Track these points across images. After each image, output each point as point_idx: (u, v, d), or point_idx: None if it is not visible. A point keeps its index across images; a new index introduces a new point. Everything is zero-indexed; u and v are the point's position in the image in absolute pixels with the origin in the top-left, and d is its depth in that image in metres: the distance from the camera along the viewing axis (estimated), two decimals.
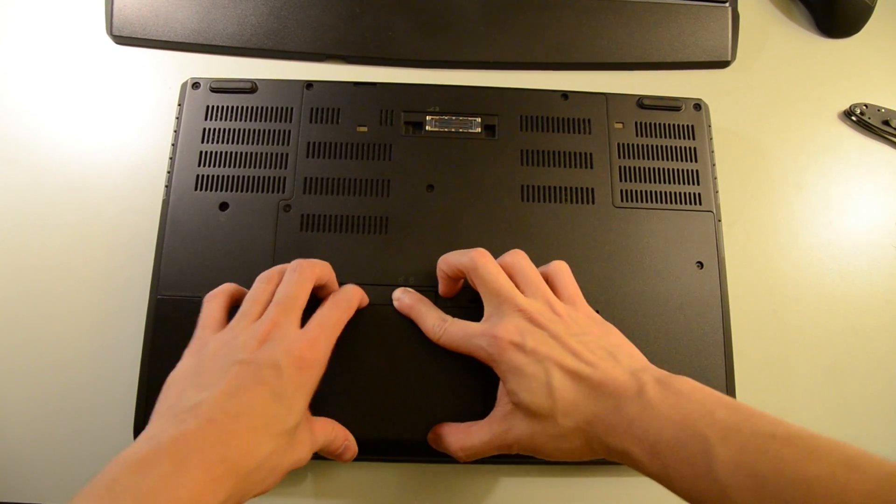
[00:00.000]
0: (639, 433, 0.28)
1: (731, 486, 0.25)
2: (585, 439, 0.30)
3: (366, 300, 0.39)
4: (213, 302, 0.35)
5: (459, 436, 0.35)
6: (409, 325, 0.39)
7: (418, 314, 0.38)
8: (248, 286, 0.39)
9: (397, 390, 0.39)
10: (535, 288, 0.35)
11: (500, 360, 0.33)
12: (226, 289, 0.36)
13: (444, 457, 0.40)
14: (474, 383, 0.39)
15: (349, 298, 0.36)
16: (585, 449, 0.31)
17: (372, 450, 0.39)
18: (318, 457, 0.40)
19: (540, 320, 0.33)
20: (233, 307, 0.36)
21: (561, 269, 0.37)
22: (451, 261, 0.37)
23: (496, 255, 0.38)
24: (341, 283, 0.40)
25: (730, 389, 0.40)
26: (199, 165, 0.43)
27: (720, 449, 0.26)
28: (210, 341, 0.32)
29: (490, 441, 0.33)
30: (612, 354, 0.32)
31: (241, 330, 0.32)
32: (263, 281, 0.35)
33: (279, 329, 0.31)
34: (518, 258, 0.37)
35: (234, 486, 0.26)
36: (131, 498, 0.23)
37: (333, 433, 0.35)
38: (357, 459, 0.40)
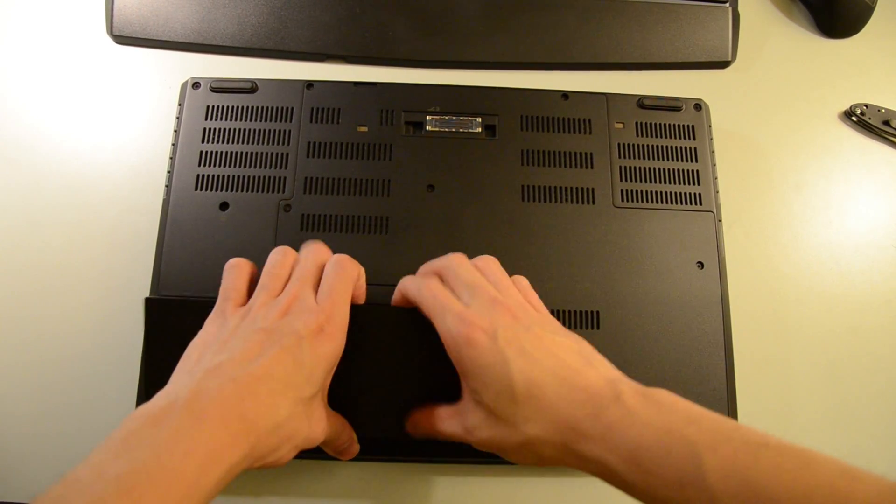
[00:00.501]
0: (616, 441, 0.26)
1: (723, 493, 0.23)
2: (553, 448, 0.28)
3: (363, 274, 0.36)
4: (236, 271, 0.34)
5: (433, 421, 0.33)
6: (407, 326, 0.39)
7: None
8: None
9: (397, 390, 0.39)
10: (508, 286, 0.33)
11: (462, 348, 0.30)
12: (246, 261, 0.35)
13: (444, 458, 0.40)
14: None
15: (349, 269, 0.34)
16: (553, 457, 0.28)
17: (372, 450, 0.39)
18: (318, 454, 0.40)
19: (517, 312, 0.31)
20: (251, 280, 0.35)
21: (522, 280, 0.36)
22: (402, 289, 0.35)
23: (498, 255, 0.37)
24: None
25: (730, 389, 0.40)
26: (200, 165, 0.43)
27: (709, 456, 0.24)
28: (231, 315, 0.32)
29: (458, 437, 0.32)
30: (588, 360, 0.30)
31: (262, 304, 0.32)
32: (280, 254, 0.34)
33: (298, 302, 0.31)
34: (488, 262, 0.35)
35: (250, 446, 0.26)
36: (148, 449, 0.23)
37: (342, 427, 0.34)
38: (357, 459, 0.40)
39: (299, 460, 0.40)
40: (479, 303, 0.31)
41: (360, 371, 0.36)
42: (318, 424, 0.31)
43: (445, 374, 0.35)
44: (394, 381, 0.36)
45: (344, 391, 0.36)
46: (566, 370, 0.29)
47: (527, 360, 0.29)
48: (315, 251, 0.35)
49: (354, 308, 0.33)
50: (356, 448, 0.35)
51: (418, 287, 0.33)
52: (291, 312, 0.31)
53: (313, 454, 0.39)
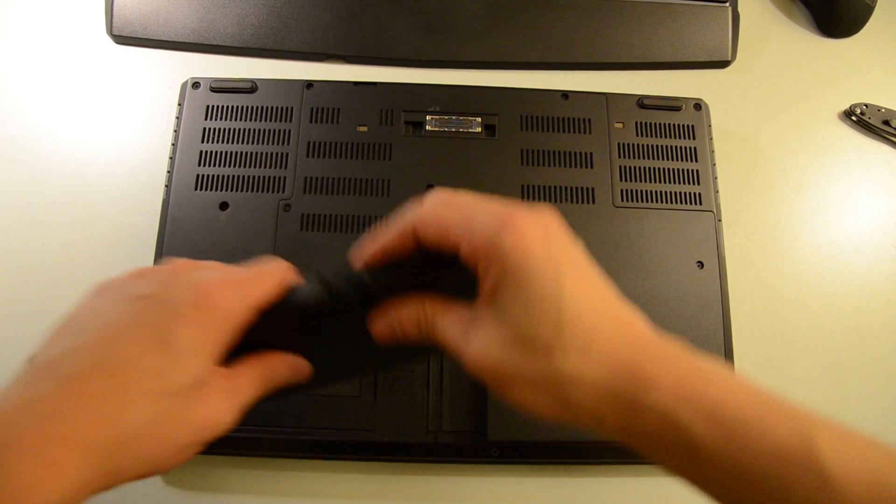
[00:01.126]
0: (692, 393, 0.21)
1: (844, 479, 0.19)
2: (593, 393, 0.22)
3: (284, 283, 0.27)
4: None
5: (428, 315, 0.26)
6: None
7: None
8: None
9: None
10: None
11: (506, 239, 0.22)
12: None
13: (442, 458, 0.40)
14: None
15: (270, 272, 0.27)
16: (585, 406, 0.22)
17: (373, 450, 0.39)
18: (318, 454, 0.40)
19: (563, 226, 0.24)
20: None
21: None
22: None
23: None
24: None
25: None
26: (200, 165, 0.43)
27: (823, 433, 0.20)
28: (116, 279, 0.26)
29: (451, 346, 0.25)
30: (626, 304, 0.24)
31: (156, 269, 0.26)
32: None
33: (196, 271, 0.25)
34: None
35: (95, 465, 0.20)
36: None
37: (269, 370, 0.27)
38: (356, 460, 0.40)
39: (299, 460, 0.40)
40: (514, 205, 0.24)
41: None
42: (215, 408, 0.24)
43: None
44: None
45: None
46: (619, 306, 0.23)
47: (580, 279, 0.23)
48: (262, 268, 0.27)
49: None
50: (304, 369, 0.28)
51: (425, 207, 0.25)
52: (180, 280, 0.24)
53: (313, 454, 0.40)
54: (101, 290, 0.26)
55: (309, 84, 0.45)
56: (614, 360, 0.22)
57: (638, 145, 0.45)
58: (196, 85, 0.45)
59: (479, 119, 0.45)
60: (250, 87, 0.45)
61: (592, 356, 0.22)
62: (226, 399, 0.25)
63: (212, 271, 0.26)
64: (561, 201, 0.43)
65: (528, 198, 0.43)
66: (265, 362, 0.27)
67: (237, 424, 0.25)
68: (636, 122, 0.46)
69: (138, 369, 0.22)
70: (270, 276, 0.26)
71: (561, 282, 0.22)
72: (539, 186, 0.43)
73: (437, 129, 0.45)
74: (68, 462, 0.20)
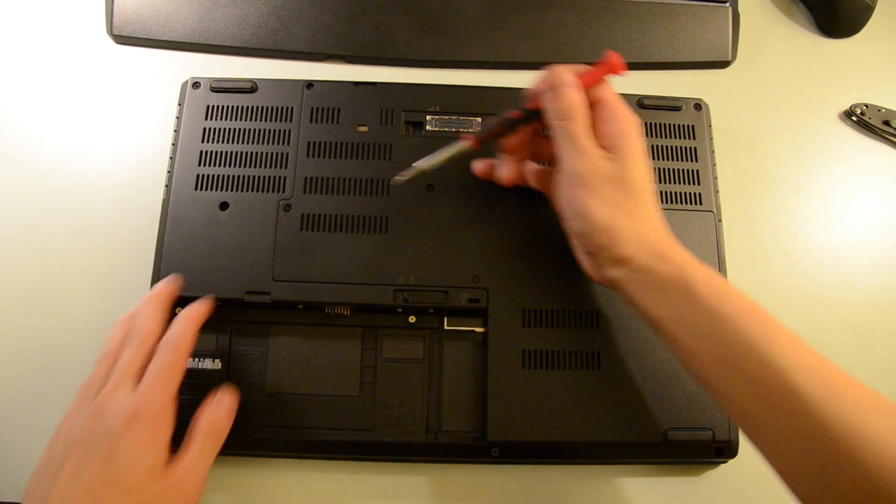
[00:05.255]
0: (693, 260, 0.33)
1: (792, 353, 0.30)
2: (637, 228, 0.34)
3: (202, 316, 0.36)
4: (114, 331, 0.34)
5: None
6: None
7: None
8: (248, 287, 0.40)
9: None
10: None
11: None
12: (130, 316, 0.35)
13: (442, 458, 0.40)
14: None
15: (176, 338, 0.34)
16: (625, 238, 0.33)
17: (373, 450, 0.39)
18: (318, 454, 0.40)
19: None
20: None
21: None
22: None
23: (498, 254, 0.38)
24: (341, 283, 0.40)
25: None
26: (200, 165, 0.43)
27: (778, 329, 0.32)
28: (66, 419, 0.32)
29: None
30: None
31: (83, 406, 0.31)
32: (113, 333, 0.34)
33: (112, 398, 0.31)
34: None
35: None
36: None
37: (206, 433, 0.33)
38: (356, 460, 0.40)
39: (300, 460, 0.40)
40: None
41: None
42: (177, 494, 0.30)
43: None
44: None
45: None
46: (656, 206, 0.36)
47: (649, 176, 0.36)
48: (146, 324, 0.34)
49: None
50: (228, 402, 0.35)
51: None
52: (105, 411, 0.30)
53: (313, 454, 0.40)
54: (59, 431, 0.31)
55: (309, 84, 0.45)
56: (656, 223, 0.35)
57: None
58: (196, 85, 0.45)
59: (479, 119, 0.45)
60: (250, 87, 0.45)
61: (648, 212, 0.35)
62: (183, 486, 0.30)
63: (123, 391, 0.31)
64: None
65: (528, 197, 0.43)
66: (203, 425, 0.33)
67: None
68: None
69: (100, 488, 0.28)
70: (182, 347, 0.33)
71: (646, 167, 0.35)
72: None
73: (437, 129, 0.45)
74: None
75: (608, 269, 0.34)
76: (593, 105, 0.36)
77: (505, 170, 0.40)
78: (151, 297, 0.36)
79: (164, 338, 0.34)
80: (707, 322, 0.31)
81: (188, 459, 0.31)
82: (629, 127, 0.35)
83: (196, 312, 0.36)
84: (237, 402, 0.35)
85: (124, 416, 0.29)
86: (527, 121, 0.38)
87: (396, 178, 0.40)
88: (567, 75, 0.36)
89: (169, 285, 0.37)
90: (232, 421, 0.35)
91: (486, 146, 0.39)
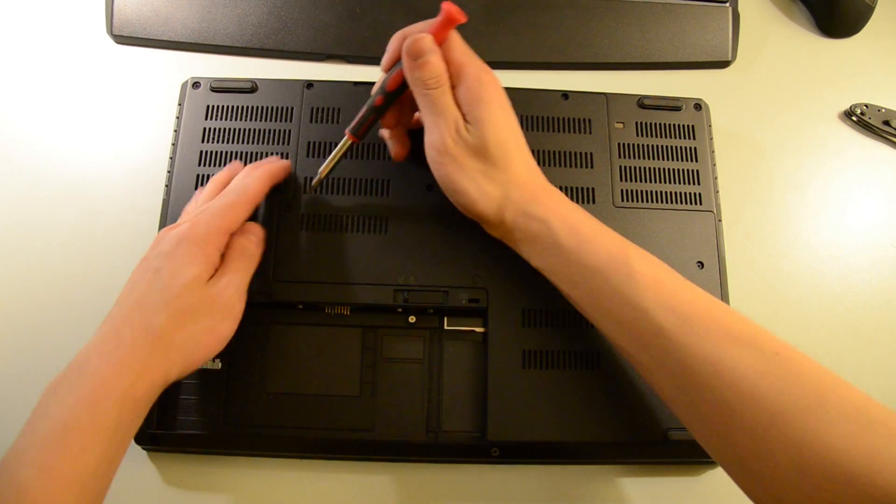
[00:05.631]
0: (561, 212, 0.35)
1: (642, 276, 0.33)
2: (503, 192, 0.35)
3: (278, 172, 0.40)
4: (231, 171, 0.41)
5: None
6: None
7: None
8: (248, 287, 0.40)
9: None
10: None
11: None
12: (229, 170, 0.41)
13: (442, 458, 0.40)
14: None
15: (246, 183, 0.38)
16: (494, 205, 0.35)
17: (373, 450, 0.39)
18: (316, 455, 0.40)
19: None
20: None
21: None
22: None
23: (498, 254, 0.38)
24: (341, 283, 0.40)
25: None
26: (200, 165, 0.43)
27: (634, 250, 0.34)
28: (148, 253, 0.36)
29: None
30: None
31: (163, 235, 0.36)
32: (212, 182, 0.40)
33: (172, 229, 0.35)
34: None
35: (149, 356, 0.31)
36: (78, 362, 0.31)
37: (239, 254, 0.36)
38: (356, 460, 0.40)
39: (300, 460, 0.40)
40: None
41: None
42: (219, 301, 0.34)
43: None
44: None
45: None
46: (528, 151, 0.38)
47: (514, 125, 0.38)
48: (236, 183, 0.38)
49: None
50: (259, 234, 0.38)
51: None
52: (161, 240, 0.34)
53: (313, 454, 0.40)
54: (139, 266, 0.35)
55: (309, 84, 0.45)
56: (525, 176, 0.36)
57: (638, 145, 0.45)
58: (196, 85, 0.45)
59: None
60: (250, 87, 0.45)
61: (514, 168, 0.36)
62: (224, 295, 0.34)
63: (179, 226, 0.35)
64: None
65: None
66: (234, 251, 0.36)
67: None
68: (636, 122, 0.46)
69: (148, 293, 0.33)
70: (250, 185, 0.37)
71: (506, 127, 0.36)
72: None
73: None
74: (140, 348, 0.31)
75: (489, 230, 0.38)
76: (447, 67, 0.36)
77: (392, 147, 0.41)
78: (262, 165, 0.40)
79: (235, 179, 0.38)
80: (576, 273, 0.34)
81: (225, 276, 0.35)
82: (481, 91, 0.35)
83: (274, 166, 0.40)
84: (263, 236, 0.39)
85: (175, 239, 0.34)
86: (393, 100, 0.38)
87: (312, 185, 0.42)
88: (427, 42, 0.35)
89: (284, 165, 0.41)
90: (262, 250, 0.38)
91: (367, 134, 0.39)
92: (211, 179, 0.40)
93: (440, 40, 0.35)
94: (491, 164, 0.35)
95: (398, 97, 0.38)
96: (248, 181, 0.38)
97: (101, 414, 0.29)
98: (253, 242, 0.37)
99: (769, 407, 0.28)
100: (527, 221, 0.35)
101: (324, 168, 0.40)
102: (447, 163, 0.36)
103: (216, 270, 0.35)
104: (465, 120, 0.35)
